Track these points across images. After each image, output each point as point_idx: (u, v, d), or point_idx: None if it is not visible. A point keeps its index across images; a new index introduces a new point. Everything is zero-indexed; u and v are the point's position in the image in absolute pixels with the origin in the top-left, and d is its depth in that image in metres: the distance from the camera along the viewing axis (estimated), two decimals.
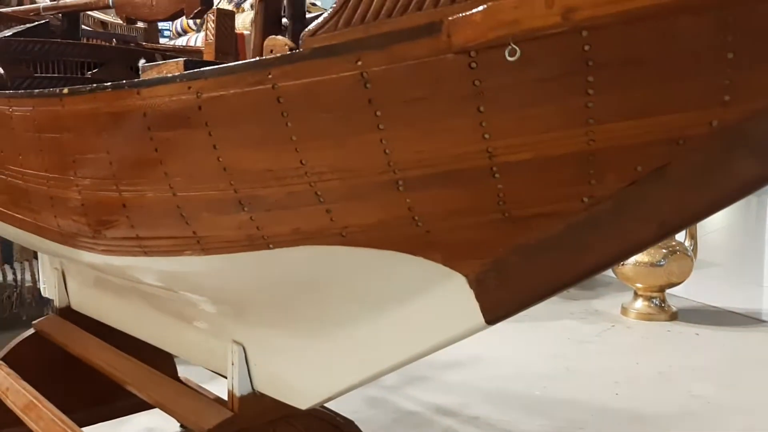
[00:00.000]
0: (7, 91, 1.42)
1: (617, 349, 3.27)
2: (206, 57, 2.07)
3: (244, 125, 1.00)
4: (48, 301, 3.24)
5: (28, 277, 3.21)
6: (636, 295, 3.77)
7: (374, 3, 0.85)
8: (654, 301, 3.73)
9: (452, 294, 1.04)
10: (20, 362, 1.95)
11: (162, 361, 2.08)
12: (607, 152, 0.84)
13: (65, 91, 1.22)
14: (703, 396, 2.72)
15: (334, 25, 0.88)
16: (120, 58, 1.90)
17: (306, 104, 0.93)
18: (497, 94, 0.83)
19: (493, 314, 1.02)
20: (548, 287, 0.99)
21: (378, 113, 0.90)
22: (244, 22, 3.78)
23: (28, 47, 1.74)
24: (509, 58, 0.76)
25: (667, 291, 3.77)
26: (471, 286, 1.02)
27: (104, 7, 1.96)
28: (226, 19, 1.97)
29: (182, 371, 2.24)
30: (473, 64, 0.81)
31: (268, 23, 1.42)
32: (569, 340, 3.36)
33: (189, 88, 1.02)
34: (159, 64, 1.31)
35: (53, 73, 1.83)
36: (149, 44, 2.24)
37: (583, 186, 0.88)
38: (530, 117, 0.83)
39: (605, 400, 2.68)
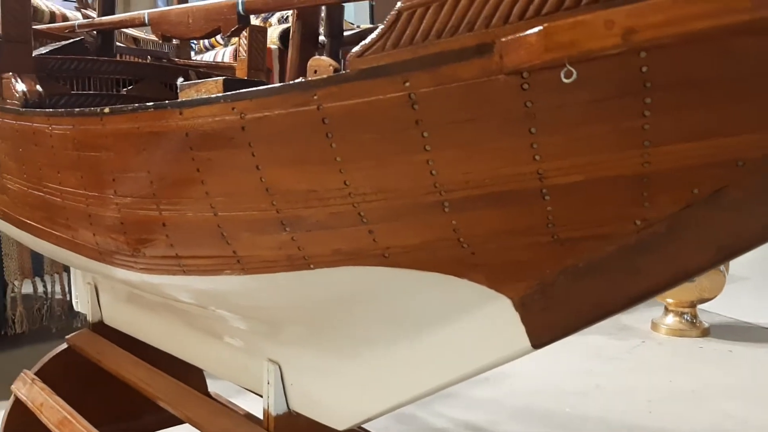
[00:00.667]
0: (46, 110, 1.43)
1: (648, 366, 3.22)
2: (239, 73, 2.09)
3: (288, 146, 1.00)
4: (77, 314, 3.27)
5: (57, 289, 3.24)
6: (666, 310, 3.71)
7: (423, 24, 0.84)
8: (685, 316, 3.67)
9: (497, 316, 1.02)
10: (53, 377, 1.96)
11: (192, 376, 2.08)
12: (662, 174, 0.82)
13: (106, 110, 1.22)
14: (738, 416, 2.66)
15: (381, 46, 0.87)
16: (155, 75, 1.91)
17: (351, 125, 0.92)
18: (549, 116, 0.81)
19: (540, 338, 1.00)
20: (597, 311, 0.97)
21: (425, 134, 0.88)
22: (271, 36, 3.80)
23: (64, 65, 1.75)
24: (565, 80, 0.75)
25: (699, 306, 3.70)
26: (516, 309, 1.00)
27: (140, 25, 1.98)
28: (258, 35, 1.98)
29: (209, 385, 2.24)
30: (525, 86, 0.80)
31: (305, 41, 1.42)
32: (599, 356, 3.31)
33: (233, 108, 1.02)
34: (198, 82, 1.31)
35: (89, 89, 1.85)
36: (182, 60, 2.26)
37: (636, 208, 0.86)
38: (583, 138, 0.82)
39: (638, 419, 2.63)
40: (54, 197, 1.46)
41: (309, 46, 1.41)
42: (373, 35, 0.88)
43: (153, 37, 2.46)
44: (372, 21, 7.72)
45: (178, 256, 1.22)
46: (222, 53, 3.78)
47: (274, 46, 3.77)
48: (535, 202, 0.89)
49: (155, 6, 8.12)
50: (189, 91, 1.31)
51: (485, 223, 0.93)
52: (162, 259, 1.25)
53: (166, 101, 1.13)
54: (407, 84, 0.86)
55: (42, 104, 1.56)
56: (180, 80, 1.44)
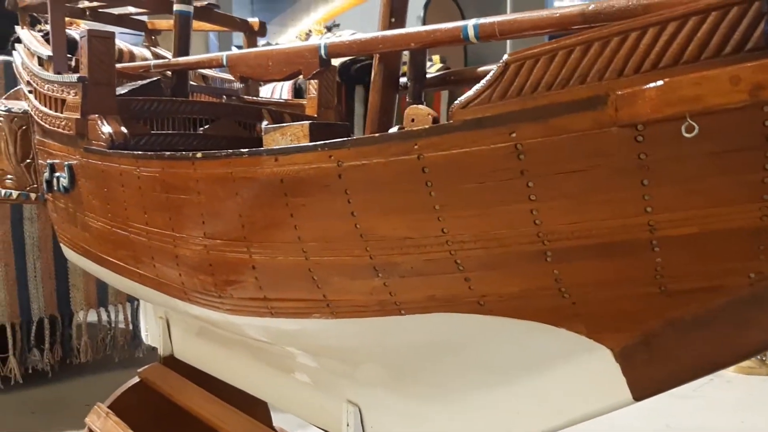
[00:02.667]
0: (134, 152, 1.47)
1: (719, 405, 3.10)
2: (308, 111, 2.12)
3: (385, 193, 1.00)
4: (139, 344, 3.33)
5: (121, 318, 3.30)
6: None
7: (532, 76, 0.84)
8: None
9: (596, 367, 1.00)
10: (126, 410, 1.98)
11: (258, 409, 2.09)
12: None
13: (198, 155, 1.25)
14: None
15: (487, 97, 0.87)
16: (230, 114, 1.95)
17: (453, 174, 0.92)
18: (665, 168, 0.80)
19: (642, 390, 0.97)
20: (704, 364, 0.94)
21: (530, 184, 0.88)
22: None
23: (145, 105, 1.80)
24: (686, 135, 0.74)
25: None
26: (617, 360, 0.98)
27: (217, 66, 2.02)
28: (328, 73, 2.00)
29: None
30: (640, 138, 0.79)
31: (386, 84, 1.43)
32: (667, 395, 3.20)
33: (330, 156, 1.03)
34: (283, 126, 1.33)
35: (166, 128, 1.89)
36: (251, 98, 2.30)
37: (751, 261, 0.84)
38: (699, 191, 0.80)
39: None
40: (140, 237, 1.49)
41: (390, 89, 1.42)
42: (478, 87, 0.88)
43: (221, 74, 2.52)
44: None
45: (266, 298, 1.23)
46: (280, 87, 3.84)
47: None
48: (644, 253, 0.87)
49: (207, 42, 8.33)
50: (274, 134, 1.34)
51: (589, 274, 0.92)
52: (250, 300, 1.26)
53: (262, 148, 1.14)
54: (514, 135, 0.86)
55: (127, 145, 1.60)
56: (264, 123, 1.46)
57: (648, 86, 0.74)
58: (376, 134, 1.00)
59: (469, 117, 0.88)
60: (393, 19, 1.43)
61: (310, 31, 4.28)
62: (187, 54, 2.11)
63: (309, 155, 1.06)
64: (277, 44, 6.55)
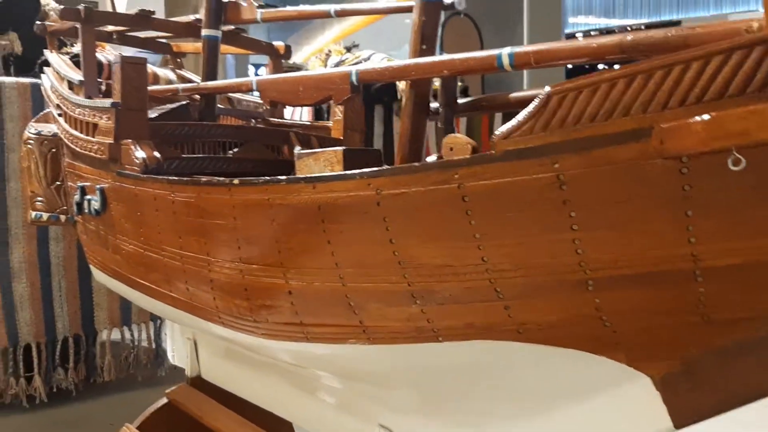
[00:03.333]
0: (169, 177, 1.49)
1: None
2: (334, 133, 2.13)
3: (424, 221, 1.01)
4: (162, 362, 3.34)
5: (144, 337, 3.32)
6: None
7: (575, 108, 0.85)
8: None
9: (636, 395, 1.00)
10: (154, 431, 1.99)
11: (283, 430, 2.10)
12: None
13: (235, 182, 1.27)
14: None
15: (529, 128, 0.88)
16: (258, 138, 1.97)
17: (494, 204, 0.93)
18: (709, 199, 0.80)
19: (684, 418, 0.97)
20: (747, 393, 0.94)
21: (573, 214, 0.89)
22: None
23: (176, 130, 1.83)
24: (733, 168, 0.74)
25: None
26: (657, 388, 0.98)
27: (246, 91, 2.06)
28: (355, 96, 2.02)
29: None
30: (684, 170, 0.80)
31: (417, 109, 1.44)
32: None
33: (369, 184, 1.04)
34: (316, 152, 1.34)
35: (196, 151, 1.92)
36: (276, 120, 2.32)
37: None
38: (744, 223, 0.80)
39: None
40: (173, 260, 1.51)
41: (421, 114, 1.44)
42: (519, 118, 0.90)
43: (246, 96, 2.55)
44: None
45: (302, 323, 1.24)
46: (300, 108, 3.87)
47: None
48: (687, 283, 0.87)
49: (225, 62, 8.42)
50: (307, 159, 1.35)
51: (631, 303, 0.92)
52: (285, 325, 1.27)
53: (300, 176, 1.16)
54: (556, 165, 0.87)
55: (159, 170, 1.62)
56: (297, 149, 1.48)
57: (694, 120, 0.75)
58: (416, 163, 1.01)
59: (511, 147, 0.89)
60: (424, 46, 1.45)
61: (329, 51, 4.32)
62: (215, 78, 2.14)
63: (348, 183, 1.07)
64: (294, 63, 6.61)
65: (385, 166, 1.04)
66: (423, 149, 1.50)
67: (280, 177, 1.19)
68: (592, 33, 15.25)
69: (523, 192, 0.90)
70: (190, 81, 2.73)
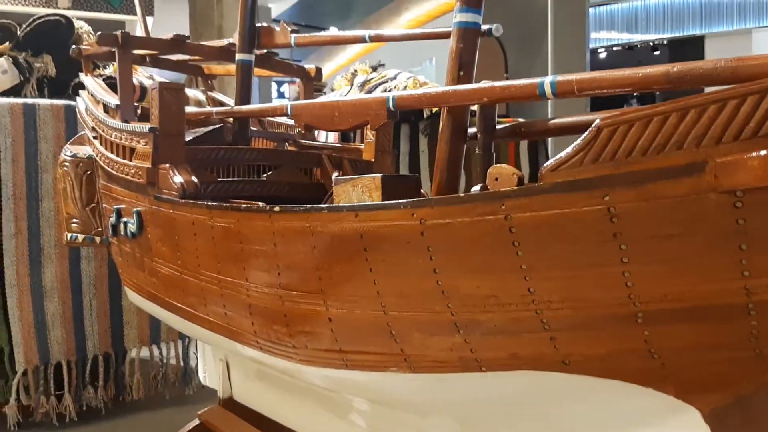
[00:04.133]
0: (208, 203, 1.50)
1: None
2: (366, 155, 2.15)
3: (469, 252, 1.01)
4: (190, 381, 3.35)
5: (172, 355, 3.33)
6: None
7: (626, 141, 0.85)
8: None
9: (684, 428, 0.98)
10: None
11: None
12: None
13: (276, 209, 1.28)
14: None
15: (579, 160, 0.88)
16: (291, 161, 1.99)
17: (542, 235, 0.93)
18: (764, 233, 0.80)
19: None
20: None
21: (623, 246, 0.88)
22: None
23: (212, 154, 1.85)
24: None
25: None
26: (707, 421, 0.96)
27: (281, 115, 2.07)
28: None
29: None
30: (739, 204, 0.79)
31: (454, 136, 1.44)
32: None
33: (413, 215, 1.04)
34: (354, 178, 1.35)
35: (231, 174, 1.93)
36: (307, 141, 2.34)
37: None
38: None
39: None
40: (211, 285, 1.52)
41: (458, 140, 1.44)
42: (569, 150, 0.89)
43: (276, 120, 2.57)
44: None
45: (342, 350, 1.24)
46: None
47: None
48: (740, 317, 0.86)
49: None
50: (345, 185, 1.36)
51: (681, 336, 0.91)
52: (325, 352, 1.28)
53: (343, 205, 1.16)
54: (607, 198, 0.87)
55: (197, 194, 1.64)
56: (335, 175, 1.49)
57: (751, 155, 0.75)
58: (461, 194, 1.01)
59: (560, 179, 0.89)
60: (461, 72, 1.45)
61: (355, 70, 4.35)
62: (249, 101, 2.17)
63: (391, 213, 1.07)
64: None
65: (429, 196, 1.04)
66: (460, 175, 1.50)
67: (321, 205, 1.19)
68: (614, 48, 15.20)
69: (572, 224, 0.90)
70: (221, 103, 2.76)
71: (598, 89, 1.09)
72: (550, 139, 5.02)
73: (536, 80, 1.15)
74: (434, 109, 3.98)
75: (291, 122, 2.32)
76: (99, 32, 2.24)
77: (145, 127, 1.80)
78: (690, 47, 13.53)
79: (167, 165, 1.69)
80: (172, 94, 1.79)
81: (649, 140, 0.83)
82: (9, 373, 2.91)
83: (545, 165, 0.91)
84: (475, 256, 1.01)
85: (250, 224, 1.35)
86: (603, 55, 15.16)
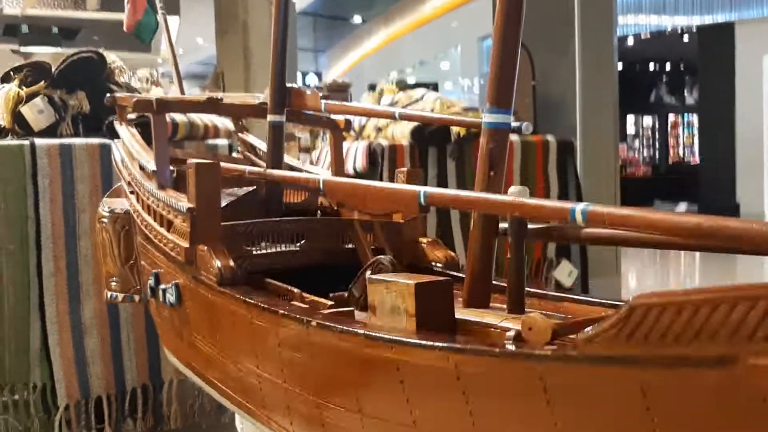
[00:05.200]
0: (247, 299, 1.54)
1: None
2: (396, 218, 2.17)
3: (503, 401, 1.04)
4: (225, 410, 3.44)
5: None
6: None
7: (658, 324, 0.86)
8: None
9: None
10: None
11: None
12: None
13: (313, 323, 1.31)
14: None
15: (614, 335, 0.90)
16: (324, 229, 2.02)
17: (574, 401, 0.96)
18: None
19: None
20: None
21: (655, 420, 0.90)
22: (403, 132, 3.91)
23: (248, 228, 1.89)
24: None
25: None
26: None
27: (312, 189, 2.11)
28: (416, 178, 2.03)
29: None
30: None
31: (485, 232, 1.46)
32: None
33: (448, 359, 1.07)
34: (388, 281, 1.38)
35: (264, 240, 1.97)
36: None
37: None
38: None
39: None
40: (250, 378, 1.57)
41: (491, 236, 1.46)
42: (603, 324, 0.92)
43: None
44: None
45: None
46: (354, 152, 3.91)
47: (405, 142, 3.89)
48: None
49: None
50: (379, 286, 1.39)
51: None
52: None
53: (378, 335, 1.20)
54: (639, 375, 0.89)
55: (235, 279, 1.68)
56: (368, 273, 1.52)
57: None
58: (497, 350, 1.04)
59: (594, 352, 0.92)
60: (492, 173, 1.47)
61: (382, 90, 4.37)
62: (281, 162, 2.20)
63: (426, 353, 1.11)
64: (334, 81, 6.66)
65: (467, 345, 1.07)
66: (492, 268, 1.52)
67: (358, 331, 1.23)
68: (642, 37, 14.93)
69: (604, 395, 0.92)
70: (252, 145, 2.80)
71: (626, 226, 1.11)
72: (578, 154, 4.99)
73: (568, 205, 1.17)
74: (461, 132, 3.99)
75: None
76: (133, 96, 2.29)
77: (182, 204, 1.84)
78: (720, 34, 13.24)
79: (205, 248, 1.74)
80: (208, 171, 1.83)
81: (681, 327, 0.84)
82: (51, 408, 3.03)
83: (582, 334, 0.93)
84: (509, 408, 1.04)
85: (288, 331, 1.39)
86: (630, 43, 14.91)
